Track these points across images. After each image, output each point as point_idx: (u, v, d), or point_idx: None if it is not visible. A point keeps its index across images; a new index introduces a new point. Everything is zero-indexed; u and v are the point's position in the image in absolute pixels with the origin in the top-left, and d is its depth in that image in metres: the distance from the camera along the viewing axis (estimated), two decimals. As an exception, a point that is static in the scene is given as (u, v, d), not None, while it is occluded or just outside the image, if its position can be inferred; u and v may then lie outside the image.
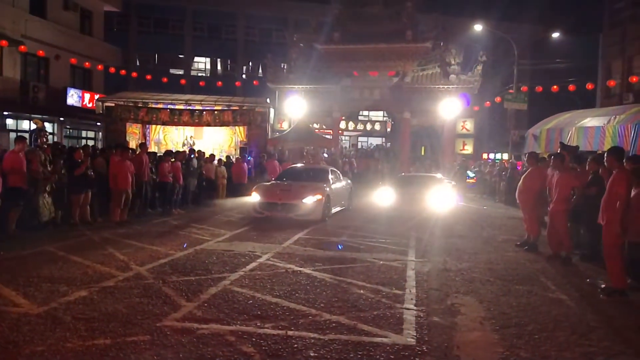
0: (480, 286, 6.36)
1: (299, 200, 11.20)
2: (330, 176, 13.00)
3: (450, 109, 23.07)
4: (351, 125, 31.44)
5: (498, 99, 24.83)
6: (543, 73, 29.10)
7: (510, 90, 25.15)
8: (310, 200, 11.20)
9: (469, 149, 25.72)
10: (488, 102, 25.46)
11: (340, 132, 28.95)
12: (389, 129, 33.81)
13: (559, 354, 4.21)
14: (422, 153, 31.18)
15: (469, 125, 25.42)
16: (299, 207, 11.12)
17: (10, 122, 21.37)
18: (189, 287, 5.85)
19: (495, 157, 31.20)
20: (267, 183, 13.13)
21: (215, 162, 15.97)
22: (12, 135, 18.79)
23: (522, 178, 9.20)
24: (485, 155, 31.59)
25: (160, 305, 5.14)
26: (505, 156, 26.56)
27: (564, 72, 27.13)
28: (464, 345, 4.38)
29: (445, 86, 23.99)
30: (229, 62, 39.55)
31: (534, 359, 4.10)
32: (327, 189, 12.06)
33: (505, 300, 5.76)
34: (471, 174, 22.01)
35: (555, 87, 21.22)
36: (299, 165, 16.08)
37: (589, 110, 16.77)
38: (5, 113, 20.74)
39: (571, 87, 20.99)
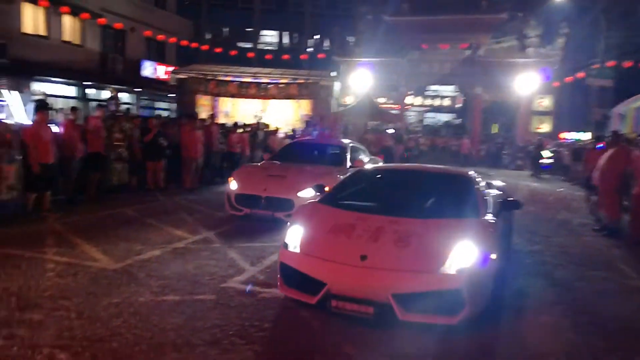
0: (552, 270, 6.07)
1: (293, 192, 7.53)
2: (348, 156, 9.19)
3: (527, 84, 21.89)
4: (418, 100, 30.60)
5: (580, 75, 23.27)
6: (633, 47, 26.89)
7: (595, 65, 23.49)
8: (310, 194, 6.96)
9: (545, 128, 24.42)
10: (569, 78, 23.94)
11: (406, 107, 28.34)
12: (459, 105, 32.69)
13: (635, 344, 3.95)
14: (494, 131, 29.98)
15: (547, 102, 24.08)
16: (293, 203, 7.31)
17: (91, 91, 22.55)
18: (253, 253, 6.00)
19: (575, 137, 29.49)
20: (254, 164, 10.06)
21: (281, 134, 16.14)
22: (92, 104, 19.82)
23: (604, 159, 8.60)
24: (563, 135, 29.94)
25: (226, 268, 5.31)
26: (587, 136, 25.01)
27: (657, 45, 24.93)
28: (531, 329, 4.22)
29: (522, 60, 22.74)
30: (296, 36, 39.56)
31: (606, 348, 3.86)
32: (341, 176, 7.34)
33: (579, 285, 5.47)
34: (547, 154, 20.96)
35: (645, 62, 19.62)
36: (308, 138, 13.06)
37: (684, 88, 15.36)
38: (86, 83, 21.90)
39: (664, 62, 19.33)
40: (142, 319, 3.84)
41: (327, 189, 6.08)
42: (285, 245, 4.41)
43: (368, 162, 9.52)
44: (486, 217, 4.65)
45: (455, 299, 3.81)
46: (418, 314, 3.82)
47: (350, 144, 9.81)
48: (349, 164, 8.81)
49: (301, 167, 8.46)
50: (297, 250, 4.31)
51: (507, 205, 5.26)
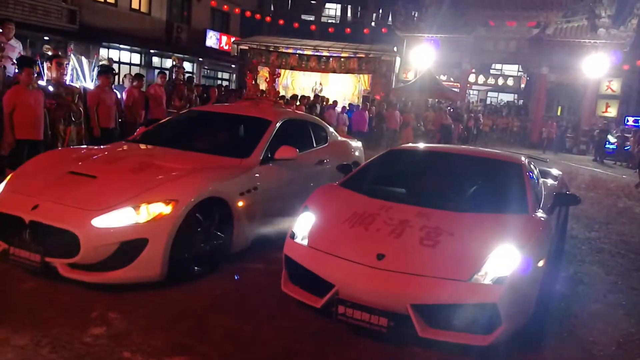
0: (609, 258, 5.87)
1: (84, 217, 3.49)
2: (266, 141, 4.87)
3: (596, 66, 20.75)
4: (481, 79, 29.63)
5: (653, 58, 21.80)
6: None
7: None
8: (125, 220, 3.53)
9: (612, 112, 23.17)
10: (641, 61, 22.47)
11: (468, 85, 27.56)
12: (522, 85, 31.43)
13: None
14: (558, 113, 28.71)
15: (615, 85, 22.77)
16: (77, 240, 3.39)
17: (155, 59, 23.34)
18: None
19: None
20: (74, 148, 5.64)
21: (339, 109, 16.12)
22: (156, 72, 20.52)
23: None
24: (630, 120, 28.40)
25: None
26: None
27: None
28: (582, 316, 4.13)
29: (592, 41, 21.50)
30: (359, 9, 38.94)
31: (663, 340, 3.75)
32: (237, 179, 4.36)
33: (637, 275, 5.28)
34: (612, 139, 19.97)
35: None
36: (223, 106, 7.71)
37: None
38: (152, 51, 22.64)
39: None
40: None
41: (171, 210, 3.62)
42: (293, 235, 3.71)
43: (311, 152, 5.68)
44: (536, 214, 3.88)
45: (490, 314, 3.11)
46: (442, 330, 3.12)
47: (283, 120, 5.25)
48: (263, 153, 4.74)
49: (152, 157, 4.47)
50: (305, 242, 3.60)
51: (563, 200, 4.51)
